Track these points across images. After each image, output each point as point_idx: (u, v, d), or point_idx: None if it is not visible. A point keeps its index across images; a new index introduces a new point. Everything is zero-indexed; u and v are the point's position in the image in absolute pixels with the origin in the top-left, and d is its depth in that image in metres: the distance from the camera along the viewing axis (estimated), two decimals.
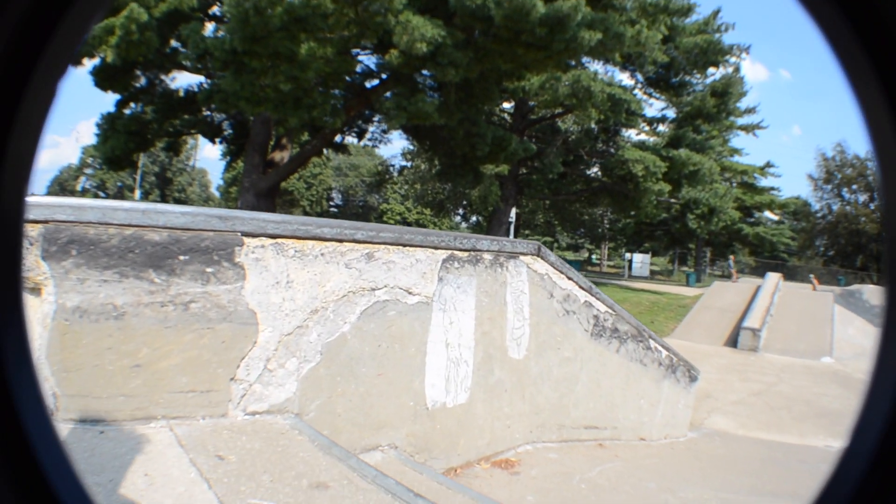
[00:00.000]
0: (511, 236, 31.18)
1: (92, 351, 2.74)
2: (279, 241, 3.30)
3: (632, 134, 36.86)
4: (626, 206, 32.95)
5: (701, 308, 22.44)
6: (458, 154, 26.44)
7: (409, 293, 3.90)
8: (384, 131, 34.75)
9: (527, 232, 54.50)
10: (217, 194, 68.91)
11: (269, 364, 3.23)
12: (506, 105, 33.03)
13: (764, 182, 49.89)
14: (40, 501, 0.67)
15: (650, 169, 29.35)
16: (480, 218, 43.19)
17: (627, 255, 55.07)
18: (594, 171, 35.69)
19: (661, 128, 37.18)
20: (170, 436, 2.76)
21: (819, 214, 54.98)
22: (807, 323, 20.08)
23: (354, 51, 22.85)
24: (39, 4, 0.62)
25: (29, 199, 0.69)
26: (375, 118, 30.82)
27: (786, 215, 54.52)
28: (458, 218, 55.49)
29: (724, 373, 13.19)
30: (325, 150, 34.38)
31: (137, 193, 55.07)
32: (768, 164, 49.04)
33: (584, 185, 36.06)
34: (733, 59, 32.39)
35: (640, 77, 33.93)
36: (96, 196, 60.02)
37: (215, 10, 24.33)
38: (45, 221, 2.69)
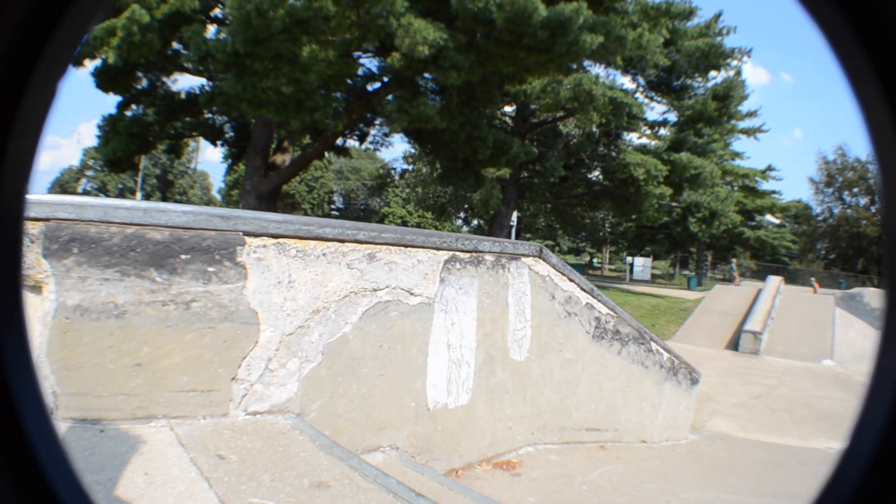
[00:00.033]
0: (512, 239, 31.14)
1: (93, 349, 2.74)
2: (281, 240, 3.30)
3: (633, 137, 36.99)
4: (628, 209, 33.00)
5: (702, 311, 22.44)
6: (460, 157, 26.47)
7: (411, 294, 3.89)
8: (386, 134, 34.83)
9: (528, 235, 54.55)
10: (218, 197, 68.86)
11: (271, 364, 3.22)
12: (507, 108, 33.09)
13: (765, 185, 50.06)
14: (39, 500, 0.67)
15: (651, 172, 29.38)
16: (482, 221, 43.17)
17: (629, 259, 55.11)
18: (595, 174, 35.76)
19: (663, 131, 37.23)
20: (170, 435, 2.75)
21: (820, 218, 54.88)
22: (808, 326, 20.07)
23: (356, 54, 22.91)
24: (39, 4, 0.63)
25: (29, 198, 0.69)
26: (377, 121, 30.87)
27: (787, 219, 54.52)
28: (459, 221, 55.46)
29: (725, 376, 13.18)
30: (326, 153, 34.40)
31: (139, 196, 55.09)
32: (769, 168, 49.21)
33: (585, 189, 36.12)
34: (735, 63, 32.56)
35: (641, 80, 33.97)
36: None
37: (217, 12, 24.45)
38: (47, 219, 2.69)
